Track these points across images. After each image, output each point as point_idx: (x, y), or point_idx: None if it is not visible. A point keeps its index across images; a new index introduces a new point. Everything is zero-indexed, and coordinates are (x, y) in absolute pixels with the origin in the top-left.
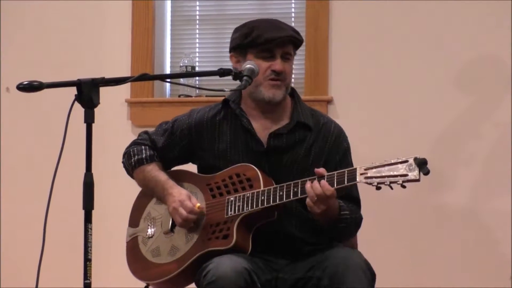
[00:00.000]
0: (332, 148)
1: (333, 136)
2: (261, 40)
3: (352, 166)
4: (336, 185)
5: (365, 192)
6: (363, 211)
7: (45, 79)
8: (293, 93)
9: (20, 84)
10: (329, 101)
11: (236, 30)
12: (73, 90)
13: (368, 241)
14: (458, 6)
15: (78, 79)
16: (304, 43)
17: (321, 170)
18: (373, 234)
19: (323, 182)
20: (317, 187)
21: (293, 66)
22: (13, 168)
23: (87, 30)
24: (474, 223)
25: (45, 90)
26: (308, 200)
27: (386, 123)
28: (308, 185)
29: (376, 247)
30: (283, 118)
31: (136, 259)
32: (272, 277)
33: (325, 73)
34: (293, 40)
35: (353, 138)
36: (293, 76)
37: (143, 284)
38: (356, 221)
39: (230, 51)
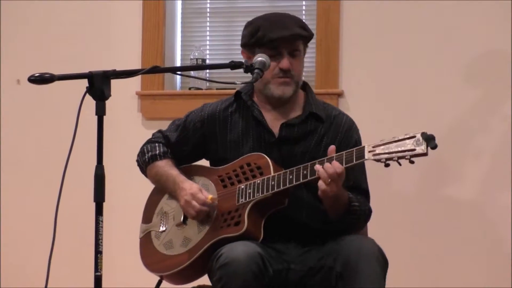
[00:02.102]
0: (343, 140)
1: (344, 128)
2: (265, 40)
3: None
4: (345, 164)
5: (372, 185)
6: (371, 205)
7: (56, 72)
8: (305, 87)
9: (32, 76)
10: (339, 95)
11: (246, 26)
12: (84, 83)
13: (374, 234)
14: (467, 0)
15: (90, 72)
16: (315, 37)
17: (332, 149)
18: (379, 227)
19: (334, 161)
20: (329, 166)
21: (304, 59)
22: (23, 161)
23: (98, 23)
24: (481, 217)
25: (56, 83)
26: (320, 182)
27: (395, 116)
28: (318, 166)
29: (382, 240)
30: (295, 110)
31: (149, 253)
32: (283, 267)
33: (336, 67)
34: (299, 38)
35: (363, 131)
36: (304, 69)
37: (154, 276)
38: (365, 213)
39: (241, 46)
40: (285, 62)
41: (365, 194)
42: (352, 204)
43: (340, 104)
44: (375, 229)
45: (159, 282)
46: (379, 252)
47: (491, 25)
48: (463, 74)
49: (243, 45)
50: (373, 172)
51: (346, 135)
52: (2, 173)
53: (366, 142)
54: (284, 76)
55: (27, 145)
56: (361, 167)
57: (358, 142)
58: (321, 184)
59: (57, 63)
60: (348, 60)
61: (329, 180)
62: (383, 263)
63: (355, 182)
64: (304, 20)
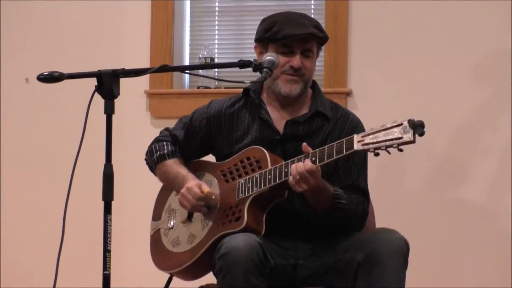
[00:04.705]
0: None
1: (350, 128)
2: (280, 36)
3: (366, 159)
4: (336, 155)
5: (378, 187)
6: (378, 206)
7: (65, 71)
8: (313, 85)
9: (41, 74)
10: (348, 94)
11: (261, 22)
12: (93, 81)
13: None
14: (477, 0)
15: (99, 70)
16: None
17: (305, 146)
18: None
19: (306, 160)
20: (299, 165)
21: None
22: (31, 160)
23: (107, 22)
24: (489, 217)
25: (65, 81)
26: (290, 179)
27: (404, 115)
28: (293, 164)
29: None
30: (302, 109)
31: (158, 251)
32: (288, 263)
33: (344, 66)
34: (314, 37)
35: None
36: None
37: (162, 275)
38: (357, 213)
39: (255, 42)
40: (296, 61)
41: (363, 193)
42: (336, 201)
43: (349, 103)
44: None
45: (169, 280)
46: (404, 241)
47: (500, 25)
48: (471, 73)
49: (257, 39)
50: (381, 172)
51: (351, 134)
52: (9, 172)
53: None
54: (293, 74)
55: (36, 144)
56: (361, 167)
57: None
58: (290, 181)
59: (66, 62)
60: (356, 59)
61: (298, 178)
62: (407, 252)
63: (353, 181)
64: (317, 22)
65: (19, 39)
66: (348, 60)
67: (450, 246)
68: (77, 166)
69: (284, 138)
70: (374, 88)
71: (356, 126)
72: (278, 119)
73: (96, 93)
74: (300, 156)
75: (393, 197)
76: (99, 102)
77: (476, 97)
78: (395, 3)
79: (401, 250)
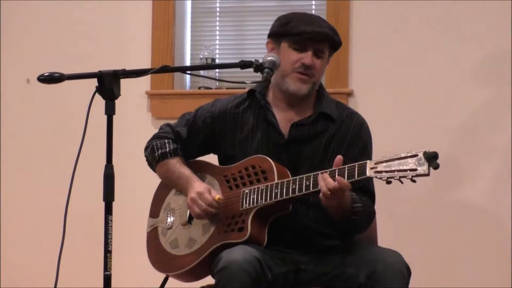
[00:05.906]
0: (352, 141)
1: (355, 129)
2: (295, 31)
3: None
4: (347, 179)
5: (382, 187)
6: (381, 207)
7: (66, 72)
8: (319, 86)
9: (42, 75)
10: (349, 94)
11: (278, 18)
12: (94, 82)
13: (384, 234)
14: (481, 0)
15: (99, 71)
16: None
17: (338, 159)
18: (389, 227)
19: (338, 177)
20: (329, 182)
21: None
22: (32, 160)
23: (108, 22)
24: (491, 217)
25: (66, 82)
26: (321, 194)
27: (406, 115)
28: (320, 180)
29: (391, 240)
30: (308, 110)
31: (155, 250)
32: (288, 269)
33: (346, 66)
34: (328, 39)
35: (373, 131)
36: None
37: (162, 275)
38: (369, 215)
39: (268, 37)
40: (308, 58)
41: (371, 195)
42: (354, 205)
43: (350, 103)
44: (384, 229)
45: (165, 281)
46: (405, 266)
47: (503, 24)
48: (472, 73)
49: (271, 34)
50: None
51: (356, 136)
52: (9, 172)
53: (376, 141)
54: (304, 73)
55: (36, 145)
56: None
57: (367, 143)
58: (321, 195)
59: (67, 62)
60: (357, 59)
61: (329, 194)
62: (408, 278)
63: (363, 184)
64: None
65: (19, 40)
66: (349, 60)
67: (450, 246)
68: (77, 167)
69: (289, 141)
70: (376, 88)
71: (360, 129)
72: (283, 121)
73: (96, 93)
74: (309, 174)
75: (394, 197)
76: (100, 102)
77: (477, 98)
78: (396, 3)
79: (403, 276)
